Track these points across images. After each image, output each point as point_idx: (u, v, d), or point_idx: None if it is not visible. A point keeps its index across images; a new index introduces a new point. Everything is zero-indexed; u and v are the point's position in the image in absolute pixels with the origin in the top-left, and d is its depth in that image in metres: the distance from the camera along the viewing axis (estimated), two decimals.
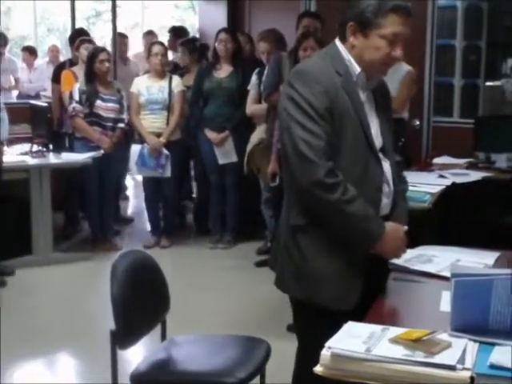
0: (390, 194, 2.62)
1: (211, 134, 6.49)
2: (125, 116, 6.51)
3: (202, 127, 6.57)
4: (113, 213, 6.99)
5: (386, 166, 2.60)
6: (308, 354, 2.14)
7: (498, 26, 6.66)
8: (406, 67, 5.37)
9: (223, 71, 6.53)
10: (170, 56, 7.91)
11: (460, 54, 6.74)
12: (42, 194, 6.02)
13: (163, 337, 3.13)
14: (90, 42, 6.99)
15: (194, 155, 7.05)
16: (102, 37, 12.92)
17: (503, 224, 4.50)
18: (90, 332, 4.56)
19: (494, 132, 5.53)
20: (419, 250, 2.94)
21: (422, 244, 3.02)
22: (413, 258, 2.80)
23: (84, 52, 6.65)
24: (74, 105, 6.32)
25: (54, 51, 10.72)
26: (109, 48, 7.43)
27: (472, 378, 1.74)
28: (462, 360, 1.80)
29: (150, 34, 8.95)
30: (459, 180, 4.70)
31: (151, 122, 6.51)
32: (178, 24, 9.85)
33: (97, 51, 6.42)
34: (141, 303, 2.88)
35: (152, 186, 6.71)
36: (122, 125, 6.49)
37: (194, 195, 7.67)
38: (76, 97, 6.32)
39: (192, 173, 7.58)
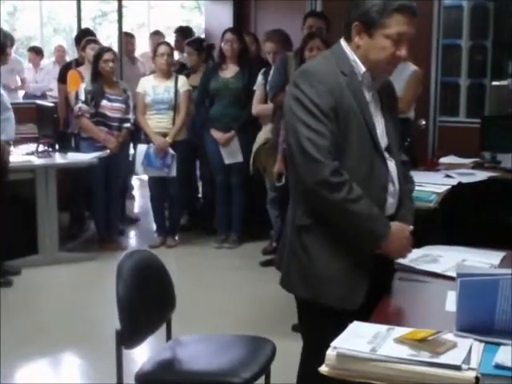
0: (395, 193, 2.62)
1: (217, 134, 6.50)
2: (131, 116, 6.52)
3: (208, 127, 6.57)
4: (119, 213, 7.00)
5: (392, 165, 2.60)
6: (313, 353, 2.14)
7: (505, 25, 6.65)
8: (412, 67, 5.37)
9: (229, 71, 6.53)
10: (176, 56, 7.92)
11: (466, 54, 6.73)
12: (47, 193, 6.03)
13: (168, 336, 3.13)
14: (96, 42, 7.00)
15: (200, 155, 7.06)
16: (108, 37, 12.95)
17: (509, 224, 4.48)
18: (96, 332, 4.57)
19: (500, 132, 5.52)
20: (425, 250, 2.93)
21: (427, 244, 3.02)
22: (418, 257, 2.80)
23: (90, 52, 6.66)
24: (79, 105, 6.33)
25: (60, 51, 10.75)
26: (115, 48, 7.43)
27: (477, 378, 1.74)
28: (467, 360, 1.79)
29: (156, 35, 8.95)
30: (465, 180, 4.70)
31: (157, 122, 6.51)
32: (183, 24, 9.84)
33: (102, 51, 6.42)
34: (146, 303, 2.88)
35: (158, 186, 6.72)
36: (127, 125, 6.50)
37: (200, 195, 7.66)
38: (82, 97, 6.33)
39: (198, 173, 7.59)
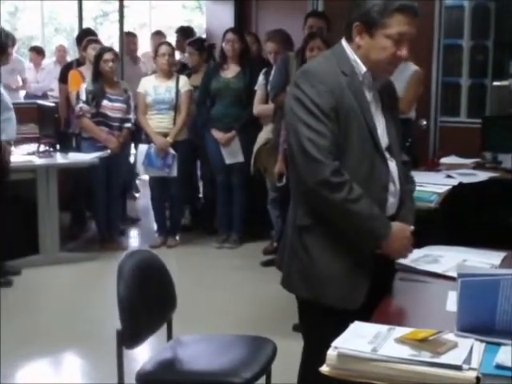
0: (396, 193, 2.62)
1: (218, 134, 6.50)
2: (132, 116, 6.52)
3: (209, 127, 6.57)
4: (119, 213, 7.00)
5: (392, 165, 2.60)
6: (314, 353, 2.14)
7: (506, 25, 6.65)
8: (413, 67, 5.37)
9: (230, 71, 6.53)
10: (178, 56, 7.92)
11: (467, 54, 6.73)
12: (48, 193, 6.03)
13: (169, 336, 3.13)
14: (98, 42, 7.00)
15: (201, 155, 7.06)
16: (110, 37, 12.93)
17: (510, 224, 4.49)
18: (96, 332, 4.57)
19: (501, 132, 5.52)
20: (425, 250, 2.93)
21: (428, 244, 3.01)
22: (419, 257, 2.80)
23: (91, 52, 6.66)
24: (80, 105, 6.33)
25: (61, 51, 10.75)
26: (116, 48, 7.44)
27: (478, 378, 1.74)
28: (468, 360, 1.79)
29: (158, 35, 8.95)
30: (466, 180, 4.70)
31: (158, 122, 6.51)
32: (185, 24, 9.85)
33: (103, 51, 6.42)
34: (147, 303, 2.88)
35: (159, 186, 6.72)
36: (128, 125, 6.50)
37: (201, 195, 7.67)
38: (83, 97, 6.33)
39: (198, 173, 7.59)
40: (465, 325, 1.98)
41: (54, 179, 6.05)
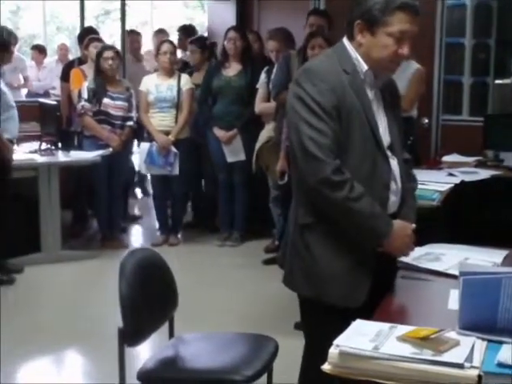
0: (397, 191, 2.62)
1: (219, 132, 6.50)
2: (133, 114, 6.52)
3: (211, 125, 6.57)
4: (121, 211, 7.01)
5: (394, 163, 2.60)
6: (315, 351, 2.15)
7: (508, 24, 6.64)
8: (414, 65, 5.36)
9: (232, 69, 6.53)
10: (179, 54, 7.91)
11: (469, 52, 6.73)
12: (50, 191, 6.03)
13: (171, 334, 3.13)
14: (99, 40, 7.00)
15: (203, 153, 7.05)
16: (111, 35, 12.93)
17: None
18: (98, 330, 4.57)
19: (503, 130, 5.52)
20: (427, 248, 2.93)
21: (430, 242, 3.01)
22: (421, 256, 2.80)
23: (93, 50, 6.65)
24: (82, 103, 6.33)
25: (63, 50, 10.76)
26: (118, 47, 7.44)
27: (480, 377, 1.74)
28: (469, 358, 1.79)
29: (160, 33, 8.94)
30: (468, 178, 4.69)
31: (160, 120, 6.51)
32: (187, 23, 9.84)
33: (103, 49, 6.42)
34: (149, 301, 2.88)
35: (160, 184, 6.73)
36: (130, 123, 6.50)
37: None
38: (85, 95, 6.33)
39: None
40: (467, 323, 1.98)
41: (55, 177, 6.06)
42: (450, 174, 4.75)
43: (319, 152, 2.40)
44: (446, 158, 5.49)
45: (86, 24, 8.42)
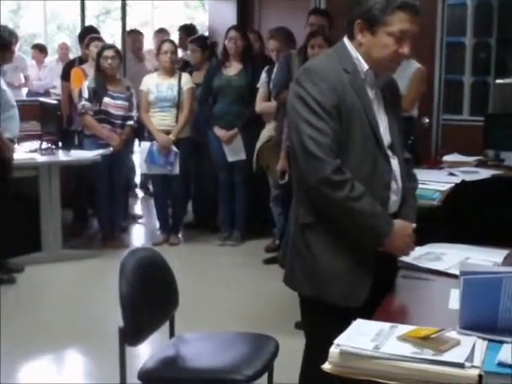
0: (398, 191, 2.62)
1: (220, 132, 6.50)
2: (134, 113, 6.52)
3: (212, 125, 6.57)
4: (122, 210, 7.00)
5: (395, 163, 2.60)
6: (316, 351, 2.14)
7: (509, 23, 6.63)
8: (415, 65, 5.36)
9: (233, 69, 6.53)
10: (180, 54, 7.91)
11: (470, 52, 6.73)
12: (51, 191, 6.03)
13: (171, 334, 3.13)
14: (100, 39, 7.00)
15: (203, 153, 7.05)
16: (112, 35, 12.94)
17: None
18: (99, 329, 4.57)
19: (503, 130, 5.52)
20: (428, 248, 2.93)
21: (430, 242, 3.01)
22: (421, 255, 2.80)
23: (94, 50, 6.65)
24: (83, 102, 6.33)
25: (63, 49, 10.75)
26: (119, 46, 7.44)
27: (480, 376, 1.74)
28: (470, 358, 1.79)
29: (161, 32, 8.95)
30: (469, 178, 4.69)
31: (160, 120, 6.51)
32: (187, 22, 9.84)
33: (103, 48, 6.42)
34: (149, 300, 2.88)
35: (161, 184, 6.73)
36: (131, 122, 6.50)
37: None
38: (85, 94, 6.33)
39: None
40: (467, 322, 1.98)
41: (56, 176, 6.06)
42: (451, 174, 4.75)
43: (319, 151, 2.40)
44: (446, 158, 5.48)
45: (87, 23, 8.44)
